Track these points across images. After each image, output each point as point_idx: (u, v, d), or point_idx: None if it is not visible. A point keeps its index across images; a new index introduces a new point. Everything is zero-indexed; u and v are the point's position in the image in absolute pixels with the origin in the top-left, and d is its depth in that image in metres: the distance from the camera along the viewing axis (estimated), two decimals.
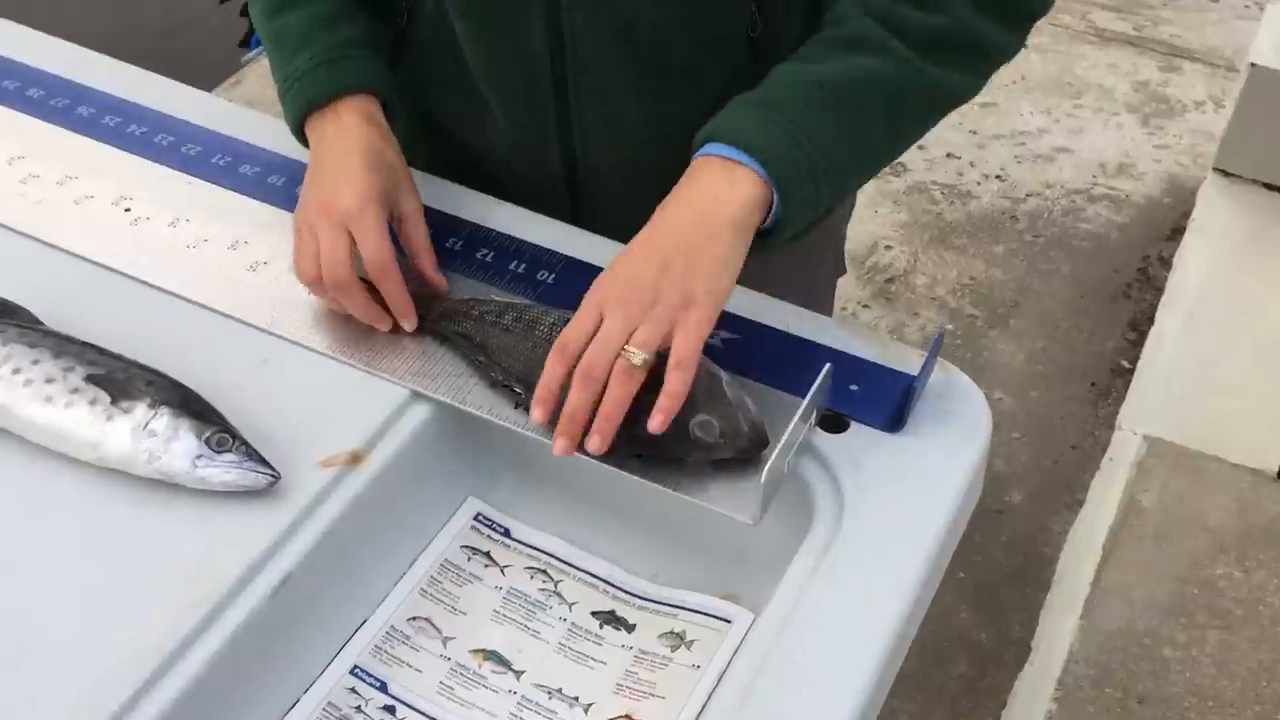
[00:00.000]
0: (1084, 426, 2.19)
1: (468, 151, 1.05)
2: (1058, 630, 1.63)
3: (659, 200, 0.86)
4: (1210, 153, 2.69)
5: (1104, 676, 1.59)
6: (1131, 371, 2.17)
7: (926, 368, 0.83)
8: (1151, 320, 2.23)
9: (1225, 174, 2.34)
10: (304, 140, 0.93)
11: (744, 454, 0.77)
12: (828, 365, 0.81)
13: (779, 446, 0.77)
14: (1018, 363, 2.30)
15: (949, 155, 2.73)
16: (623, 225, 1.01)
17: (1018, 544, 2.01)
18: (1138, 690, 1.58)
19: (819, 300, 1.17)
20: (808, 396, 0.80)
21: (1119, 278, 2.48)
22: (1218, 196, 2.31)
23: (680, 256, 0.78)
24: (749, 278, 0.86)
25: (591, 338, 0.77)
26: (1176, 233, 2.50)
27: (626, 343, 0.76)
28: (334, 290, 0.86)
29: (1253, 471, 1.81)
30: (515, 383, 0.83)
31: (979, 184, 2.67)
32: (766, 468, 0.76)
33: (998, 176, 2.69)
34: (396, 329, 0.88)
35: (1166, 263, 2.44)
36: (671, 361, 0.76)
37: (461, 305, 0.88)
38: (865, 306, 2.40)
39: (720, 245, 0.79)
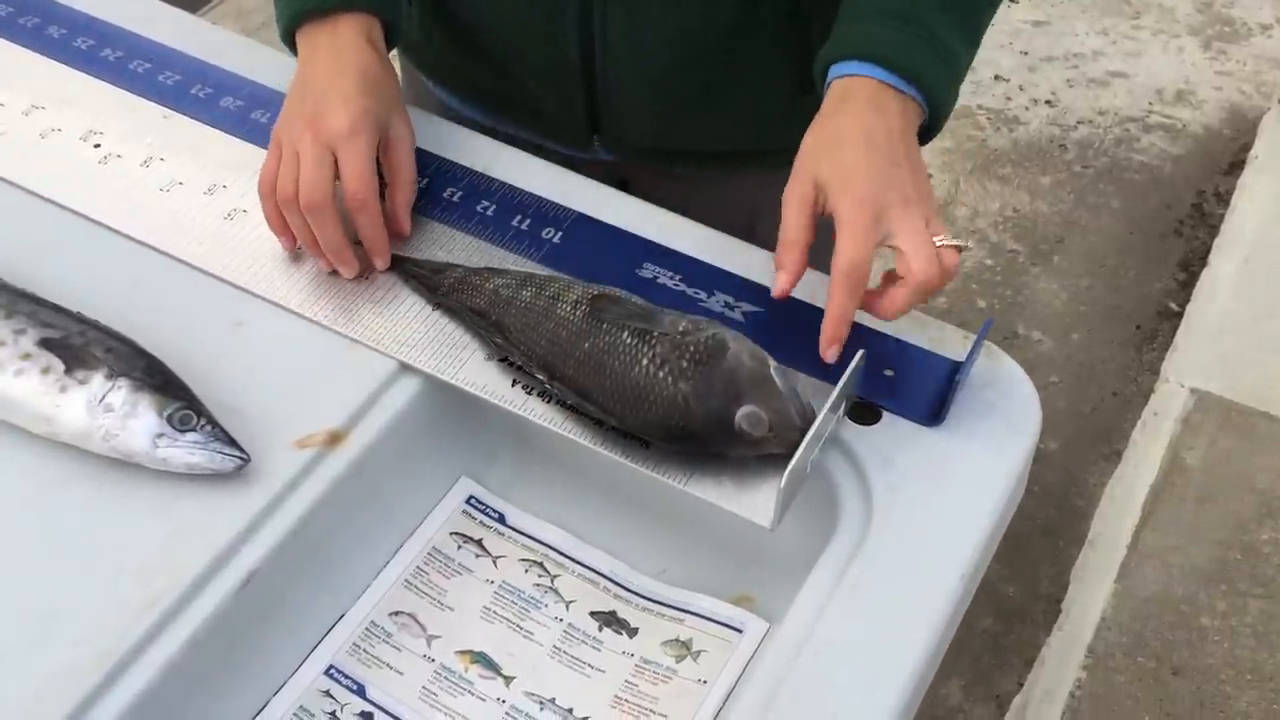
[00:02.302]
0: (1126, 372, 2.09)
1: (480, 38, 0.97)
2: (1091, 594, 1.56)
3: (676, 107, 0.89)
4: (1275, 81, 2.55)
5: (1137, 645, 1.52)
6: (1180, 315, 2.06)
7: (972, 354, 0.75)
8: (1204, 260, 2.12)
9: None
10: (292, 47, 0.85)
11: (793, 449, 0.69)
12: (861, 351, 0.72)
13: (804, 442, 0.69)
14: (1060, 302, 2.20)
15: (996, 78, 2.59)
16: (636, 130, 0.97)
17: (1050, 494, 1.93)
18: (1172, 660, 1.51)
19: None
20: (838, 386, 0.71)
21: (1171, 213, 2.36)
22: None
23: (915, 151, 0.76)
24: (768, 238, 0.79)
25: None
26: (1235, 167, 2.36)
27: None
28: (309, 213, 0.78)
29: None
30: (538, 369, 0.75)
31: (1027, 109, 2.53)
32: (789, 468, 0.68)
33: (1048, 102, 2.55)
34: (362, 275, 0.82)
35: (1223, 199, 2.31)
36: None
37: (474, 276, 0.80)
38: None
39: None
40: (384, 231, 0.80)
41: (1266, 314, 1.87)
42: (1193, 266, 2.21)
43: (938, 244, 0.72)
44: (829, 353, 0.74)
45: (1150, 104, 2.56)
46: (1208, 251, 2.14)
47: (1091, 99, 2.56)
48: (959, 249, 0.73)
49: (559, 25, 0.91)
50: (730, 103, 0.97)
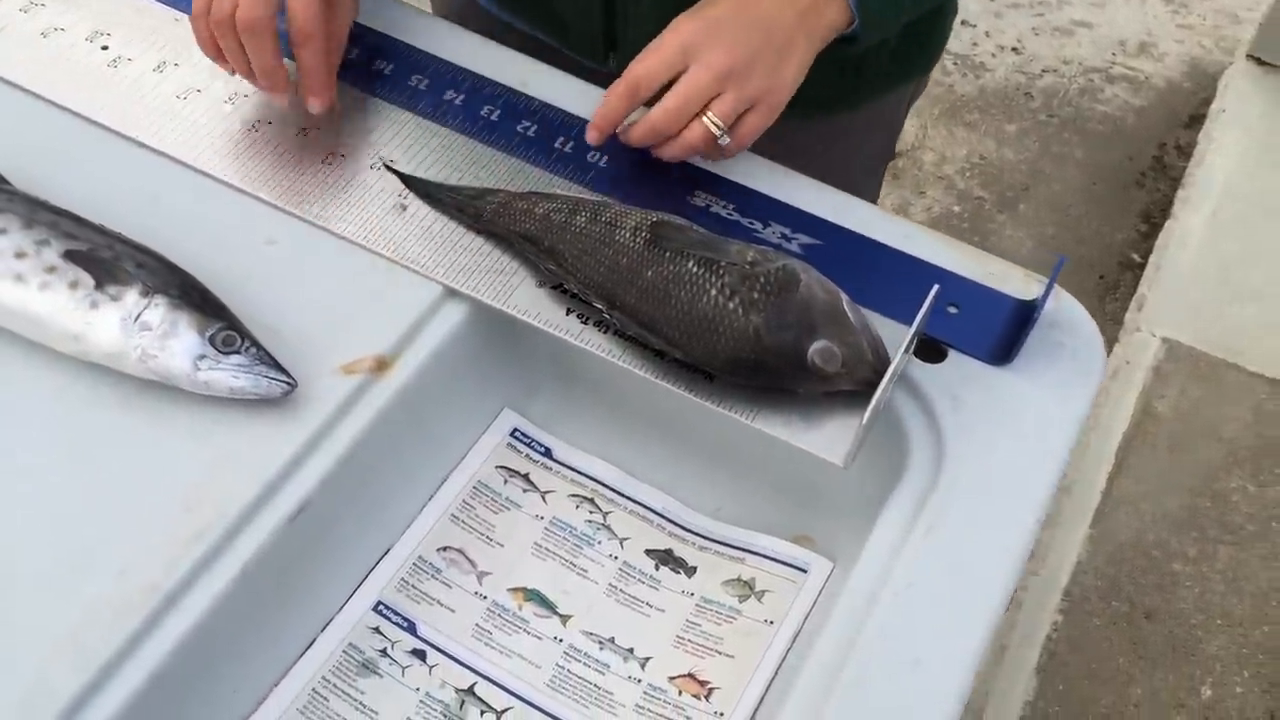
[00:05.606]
0: None
1: None
2: (1066, 540, 1.58)
3: None
4: (1235, 36, 2.57)
5: (1112, 589, 1.54)
6: (1141, 266, 2.08)
7: (1046, 294, 0.73)
8: (1164, 212, 2.14)
9: (1260, 62, 2.22)
10: None
11: (865, 386, 0.67)
12: (936, 286, 0.70)
13: (885, 380, 0.67)
14: (1025, 250, 2.20)
15: (963, 23, 2.57)
16: None
17: None
18: (1145, 605, 1.53)
19: (858, 188, 1.05)
20: (915, 323, 0.69)
21: (1133, 165, 2.37)
22: (1250, 86, 2.19)
23: (782, 40, 0.74)
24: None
25: (667, 82, 0.73)
26: (1195, 120, 2.38)
27: (706, 106, 0.73)
28: (244, 33, 0.74)
29: (1271, 382, 1.75)
30: (596, 297, 0.71)
31: (994, 56, 2.53)
32: (871, 404, 0.66)
33: (1014, 49, 2.54)
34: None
35: (1183, 151, 2.33)
36: (734, 141, 0.74)
37: (519, 201, 0.75)
38: None
39: (806, 52, 0.75)
40: (326, 70, 0.77)
41: (1234, 265, 1.90)
42: (1154, 218, 2.23)
43: (706, 120, 0.72)
44: (590, 134, 0.76)
45: (1113, 55, 2.56)
46: (1169, 203, 2.16)
47: (1057, 47, 2.56)
48: (724, 142, 0.74)
49: None
50: None
